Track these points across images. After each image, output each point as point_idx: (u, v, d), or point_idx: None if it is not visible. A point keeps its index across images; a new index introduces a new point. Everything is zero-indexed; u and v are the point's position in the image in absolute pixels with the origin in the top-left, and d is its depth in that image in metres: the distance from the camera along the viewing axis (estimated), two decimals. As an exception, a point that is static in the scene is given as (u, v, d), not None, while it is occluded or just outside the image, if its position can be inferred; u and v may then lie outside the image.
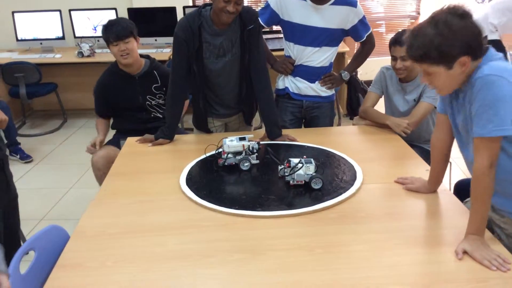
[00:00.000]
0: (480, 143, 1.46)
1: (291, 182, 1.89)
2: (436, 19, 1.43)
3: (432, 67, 1.47)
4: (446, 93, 1.59)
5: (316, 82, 2.68)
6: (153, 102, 2.80)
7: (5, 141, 2.34)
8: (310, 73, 2.65)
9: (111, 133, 2.98)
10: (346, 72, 2.76)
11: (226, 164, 2.08)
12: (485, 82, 1.42)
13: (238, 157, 2.08)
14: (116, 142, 2.82)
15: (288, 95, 2.72)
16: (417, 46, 1.45)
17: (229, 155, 2.08)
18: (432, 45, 1.42)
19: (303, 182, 1.88)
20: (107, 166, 2.44)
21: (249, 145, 2.09)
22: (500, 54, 1.51)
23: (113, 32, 2.61)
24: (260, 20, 2.57)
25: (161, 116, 2.84)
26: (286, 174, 1.89)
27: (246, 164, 2.06)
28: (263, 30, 2.57)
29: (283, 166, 1.93)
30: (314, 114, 2.75)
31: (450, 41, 1.41)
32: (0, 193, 2.12)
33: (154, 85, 2.78)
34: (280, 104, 2.75)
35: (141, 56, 2.82)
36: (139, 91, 2.77)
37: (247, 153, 2.09)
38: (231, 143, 2.08)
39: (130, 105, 2.79)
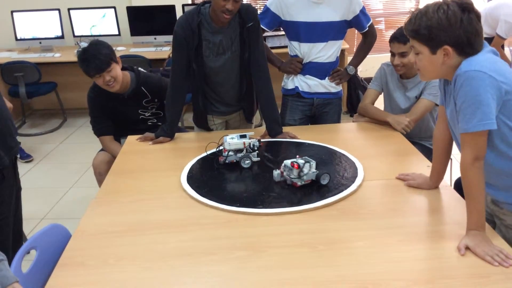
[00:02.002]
0: (465, 138, 1.48)
1: (299, 183, 1.85)
2: (440, 4, 1.46)
3: (420, 46, 1.52)
4: (427, 79, 1.65)
5: (326, 78, 2.68)
6: (146, 114, 2.74)
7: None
8: (319, 70, 2.65)
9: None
10: (351, 66, 2.77)
11: (227, 162, 2.08)
12: (464, 79, 1.44)
13: (239, 155, 2.08)
14: (116, 141, 2.79)
15: (298, 94, 2.71)
16: (414, 22, 1.50)
17: (230, 153, 2.08)
18: (425, 25, 1.47)
19: (310, 181, 1.87)
20: (108, 171, 2.40)
21: (249, 143, 2.08)
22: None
23: (91, 67, 2.43)
24: (261, 25, 2.57)
25: (159, 123, 2.73)
26: (293, 177, 1.85)
27: (247, 161, 2.06)
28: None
29: (278, 171, 1.91)
30: (324, 111, 2.75)
31: (442, 27, 1.44)
32: (11, 188, 2.12)
33: (145, 100, 2.68)
34: (290, 103, 2.75)
35: (125, 68, 2.64)
36: (130, 108, 2.67)
37: (248, 151, 2.09)
38: (232, 140, 2.07)
39: (124, 120, 2.71)
